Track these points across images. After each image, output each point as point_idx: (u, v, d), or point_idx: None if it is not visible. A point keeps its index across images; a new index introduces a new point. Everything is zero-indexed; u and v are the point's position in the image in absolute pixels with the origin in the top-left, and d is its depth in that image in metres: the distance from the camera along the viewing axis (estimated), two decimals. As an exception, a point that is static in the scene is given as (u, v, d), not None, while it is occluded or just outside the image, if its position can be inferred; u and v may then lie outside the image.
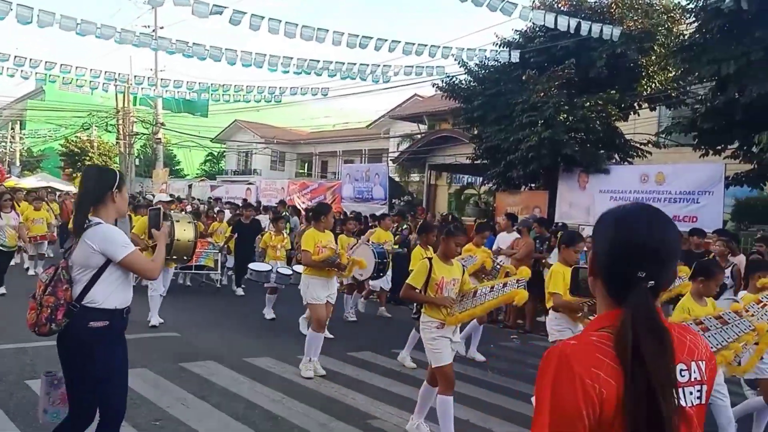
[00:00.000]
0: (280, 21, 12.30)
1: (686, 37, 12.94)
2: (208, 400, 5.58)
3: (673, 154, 14.84)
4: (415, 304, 5.42)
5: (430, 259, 5.04)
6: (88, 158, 36.54)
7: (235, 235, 12.27)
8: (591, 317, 5.27)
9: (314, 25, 12.56)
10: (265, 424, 5.07)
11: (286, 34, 12.42)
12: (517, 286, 4.94)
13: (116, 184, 3.37)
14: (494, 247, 10.31)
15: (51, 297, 3.18)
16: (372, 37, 13.14)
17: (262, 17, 12.12)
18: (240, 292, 12.11)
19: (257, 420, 5.16)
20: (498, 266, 7.48)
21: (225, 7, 11.64)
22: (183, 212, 11.59)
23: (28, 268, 13.36)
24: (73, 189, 30.18)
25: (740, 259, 8.21)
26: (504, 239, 10.63)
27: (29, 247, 12.44)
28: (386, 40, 13.26)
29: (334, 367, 6.95)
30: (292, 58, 14.46)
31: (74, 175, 36.69)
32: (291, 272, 9.41)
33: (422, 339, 4.97)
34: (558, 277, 5.37)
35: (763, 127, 10.07)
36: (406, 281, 5.02)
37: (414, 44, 13.42)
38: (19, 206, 12.41)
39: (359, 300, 10.76)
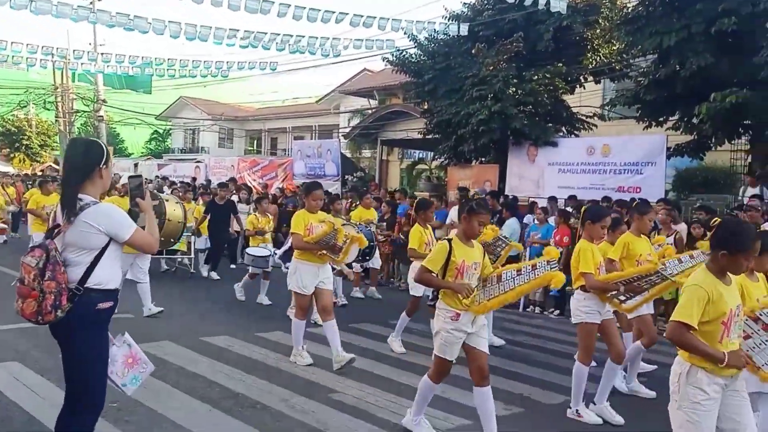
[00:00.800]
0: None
1: (630, 10, 13.20)
2: (166, 379, 5.50)
3: (618, 126, 15.23)
4: (432, 290, 4.98)
5: (449, 240, 4.53)
6: (26, 137, 35.13)
7: (208, 217, 11.59)
8: (623, 297, 5.14)
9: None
10: (226, 402, 5.05)
11: (229, 7, 12.15)
12: (549, 268, 4.47)
13: (104, 159, 3.27)
14: (447, 221, 10.48)
15: (52, 282, 3.03)
16: (320, 10, 12.97)
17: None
18: (215, 276, 11.63)
19: (217, 398, 5.13)
20: (503, 240, 6.89)
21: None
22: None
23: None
24: (11, 170, 29.04)
25: (682, 227, 8.60)
26: (456, 213, 10.75)
27: None
28: (334, 12, 13.11)
29: (294, 343, 6.95)
30: (238, 30, 14.15)
31: (11, 155, 35.28)
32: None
33: (435, 325, 4.51)
34: (587, 255, 5.02)
35: (703, 99, 10.40)
36: (422, 263, 4.55)
37: (363, 16, 13.33)
38: None
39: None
